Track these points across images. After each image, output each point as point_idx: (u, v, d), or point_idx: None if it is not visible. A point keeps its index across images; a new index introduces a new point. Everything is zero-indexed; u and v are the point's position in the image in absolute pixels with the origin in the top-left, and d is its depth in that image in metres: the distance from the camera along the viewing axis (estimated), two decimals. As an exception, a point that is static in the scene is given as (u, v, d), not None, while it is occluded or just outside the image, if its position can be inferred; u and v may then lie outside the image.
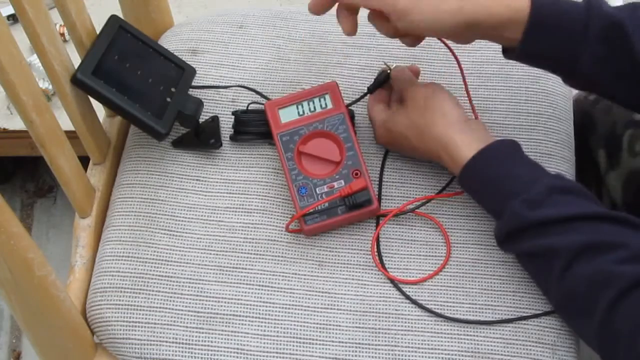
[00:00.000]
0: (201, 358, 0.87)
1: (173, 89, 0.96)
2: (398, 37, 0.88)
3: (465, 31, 0.84)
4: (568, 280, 0.79)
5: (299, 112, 0.95)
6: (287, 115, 0.95)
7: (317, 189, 0.91)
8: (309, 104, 0.95)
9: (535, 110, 0.98)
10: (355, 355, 0.86)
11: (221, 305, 0.89)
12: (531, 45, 0.83)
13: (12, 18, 1.41)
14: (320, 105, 0.95)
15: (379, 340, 0.87)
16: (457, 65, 0.93)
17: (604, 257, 0.76)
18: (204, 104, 0.99)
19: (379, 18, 0.86)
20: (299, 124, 0.94)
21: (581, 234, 0.78)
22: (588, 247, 0.77)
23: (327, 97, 0.95)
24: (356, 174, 0.91)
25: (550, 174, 0.84)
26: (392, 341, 0.86)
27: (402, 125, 0.90)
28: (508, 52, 0.87)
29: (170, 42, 1.07)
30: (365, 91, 0.96)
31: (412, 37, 0.88)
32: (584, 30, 0.81)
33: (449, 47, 0.93)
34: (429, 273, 0.90)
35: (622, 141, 1.03)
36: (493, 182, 0.84)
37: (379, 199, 0.94)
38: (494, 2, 0.83)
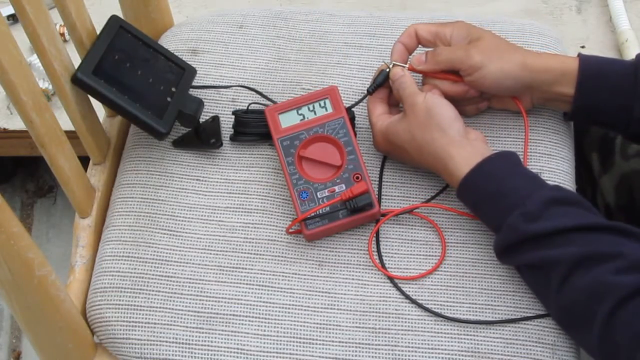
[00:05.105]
0: (201, 358, 0.87)
1: (173, 89, 0.96)
2: (463, 99, 0.94)
3: (525, 87, 0.92)
4: (566, 292, 0.79)
5: (299, 117, 0.95)
6: (288, 120, 0.94)
7: (318, 193, 0.91)
8: (309, 109, 0.95)
9: (535, 110, 0.98)
10: (355, 355, 0.86)
11: (221, 305, 0.89)
12: (584, 97, 0.89)
13: (12, 18, 1.41)
14: (321, 110, 0.95)
15: (379, 340, 0.87)
16: None
17: (601, 267, 0.77)
18: (204, 103, 0.99)
19: (448, 78, 0.92)
20: (300, 129, 0.94)
21: (578, 246, 0.79)
22: (585, 259, 0.78)
23: (327, 101, 0.95)
24: (357, 178, 0.91)
25: (548, 185, 0.85)
26: (392, 341, 0.86)
27: (402, 140, 0.90)
28: (567, 115, 0.95)
29: (170, 42, 1.07)
30: (365, 93, 0.96)
31: (475, 101, 0.96)
32: (634, 80, 0.87)
33: (520, 106, 0.95)
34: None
35: (615, 144, 1.04)
36: (490, 197, 0.84)
37: (379, 200, 0.94)
38: (550, 57, 0.92)
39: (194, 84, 1.00)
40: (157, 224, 0.94)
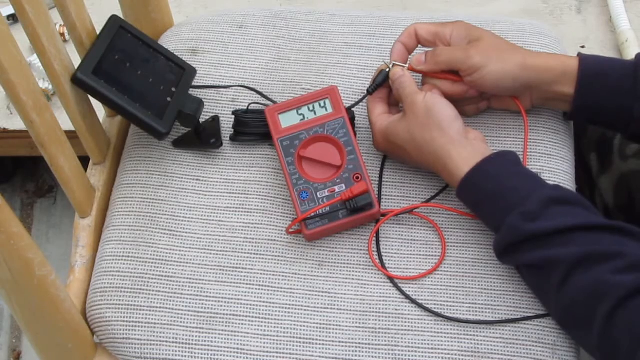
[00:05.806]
0: (201, 358, 0.87)
1: (173, 89, 0.96)
2: (463, 99, 0.94)
3: (525, 87, 0.92)
4: (566, 291, 0.79)
5: (299, 117, 0.94)
6: (288, 120, 0.94)
7: (318, 193, 0.91)
8: (309, 109, 0.95)
9: (535, 110, 0.98)
10: (355, 355, 0.86)
11: (221, 305, 0.89)
12: (584, 97, 0.89)
13: (12, 18, 1.41)
14: (321, 110, 0.95)
15: (379, 340, 0.87)
16: None
17: (601, 267, 0.77)
18: (204, 103, 0.99)
19: (448, 78, 0.92)
20: (300, 129, 0.94)
21: (578, 245, 0.79)
22: (585, 258, 0.78)
23: (327, 101, 0.95)
24: (357, 178, 0.91)
25: (547, 184, 0.85)
26: (392, 341, 0.86)
27: (402, 139, 0.90)
28: (567, 115, 0.94)
29: (170, 42, 1.07)
30: (365, 93, 0.96)
31: (475, 100, 0.96)
32: (634, 80, 0.87)
33: (520, 106, 0.95)
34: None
35: (613, 145, 1.04)
36: (489, 197, 0.84)
37: (379, 200, 0.94)
38: (550, 57, 0.92)
39: (194, 84, 1.00)
40: (157, 224, 0.94)
